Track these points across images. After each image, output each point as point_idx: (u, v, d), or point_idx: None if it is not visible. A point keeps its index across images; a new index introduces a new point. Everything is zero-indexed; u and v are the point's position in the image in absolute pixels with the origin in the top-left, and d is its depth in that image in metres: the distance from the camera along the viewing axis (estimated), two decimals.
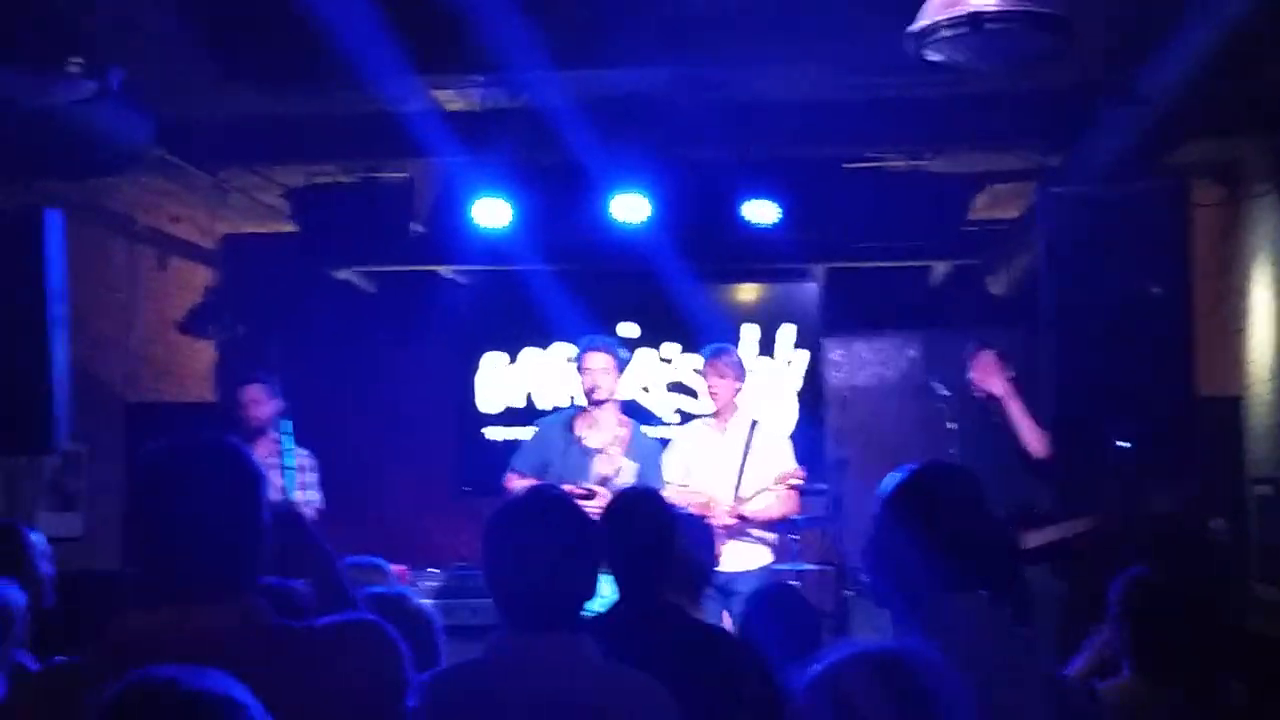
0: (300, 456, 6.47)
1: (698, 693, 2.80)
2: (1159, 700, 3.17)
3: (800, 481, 6.34)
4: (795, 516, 6.39)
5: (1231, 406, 6.92)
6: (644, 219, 7.00)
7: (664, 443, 6.65)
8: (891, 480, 2.59)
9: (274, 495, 3.33)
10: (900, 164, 6.99)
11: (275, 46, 5.40)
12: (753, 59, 5.62)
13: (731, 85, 6.07)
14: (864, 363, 8.93)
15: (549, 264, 7.36)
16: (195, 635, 1.95)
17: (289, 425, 6.41)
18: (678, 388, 8.53)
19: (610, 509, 3.60)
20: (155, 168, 6.70)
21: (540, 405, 8.40)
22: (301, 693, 1.93)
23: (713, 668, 3.21)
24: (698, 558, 3.75)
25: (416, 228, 7.48)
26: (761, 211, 7.18)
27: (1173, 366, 5.69)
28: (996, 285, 7.94)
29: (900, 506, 2.54)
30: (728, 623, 5.65)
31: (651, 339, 8.50)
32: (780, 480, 6.25)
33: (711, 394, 6.43)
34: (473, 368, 8.65)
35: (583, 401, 6.31)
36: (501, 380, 8.66)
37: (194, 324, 8.66)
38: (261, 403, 6.49)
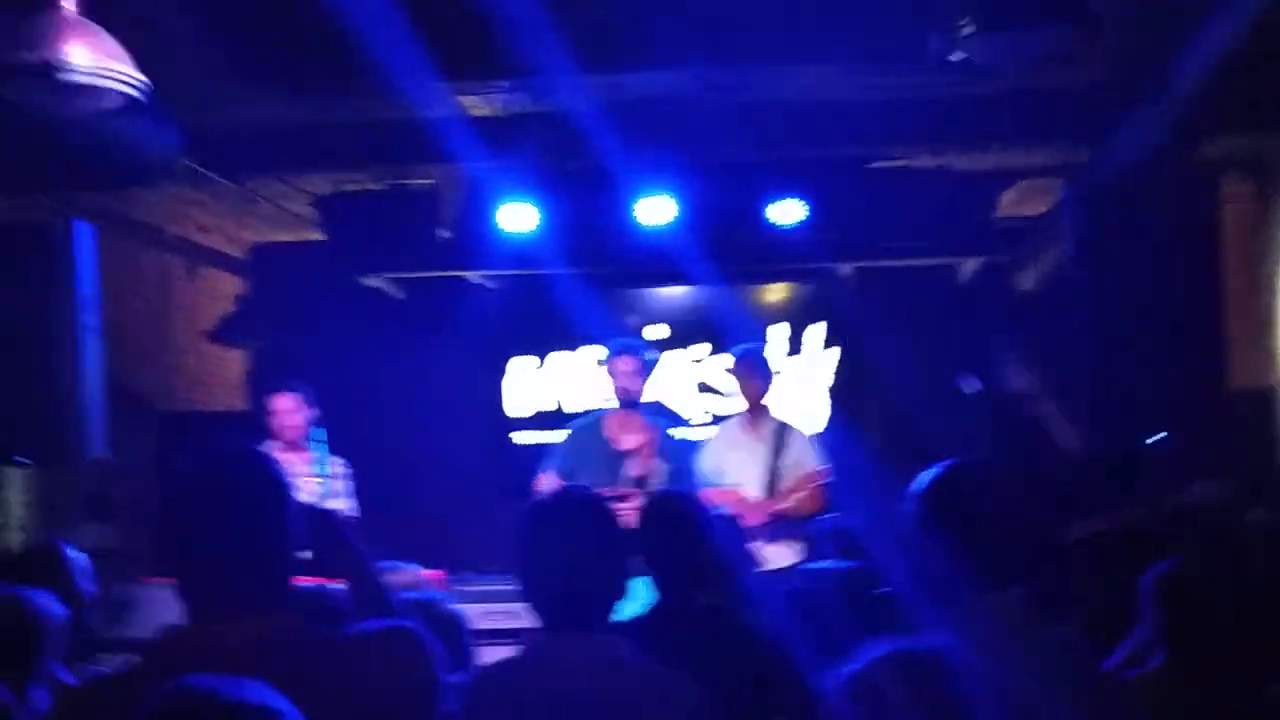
0: (334, 465, 6.37)
1: (732, 692, 2.82)
2: (1191, 688, 3.15)
3: (827, 480, 6.32)
4: (824, 515, 6.38)
5: (1265, 398, 6.89)
6: (670, 221, 7.01)
7: (694, 444, 6.65)
8: (923, 478, 2.59)
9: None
10: (926, 162, 6.98)
11: (301, 55, 5.42)
12: (776, 60, 5.62)
13: (755, 87, 6.07)
14: (892, 359, 8.89)
15: (576, 268, 7.34)
16: (232, 646, 1.97)
17: (323, 434, 6.30)
18: (707, 389, 8.54)
19: (644, 511, 3.61)
20: (183, 177, 6.75)
21: (569, 409, 8.41)
22: (337, 701, 1.95)
23: (747, 668, 3.21)
24: (731, 558, 3.76)
25: (444, 234, 7.50)
26: (788, 212, 7.18)
27: (1205, 359, 5.67)
28: (1025, 281, 7.92)
29: (932, 505, 2.55)
30: (759, 622, 5.64)
31: (680, 340, 8.51)
32: (807, 479, 6.25)
33: (742, 394, 6.43)
34: (501, 372, 8.68)
35: (612, 404, 6.32)
36: (530, 384, 8.68)
37: (225, 333, 8.70)
38: (294, 411, 6.35)
